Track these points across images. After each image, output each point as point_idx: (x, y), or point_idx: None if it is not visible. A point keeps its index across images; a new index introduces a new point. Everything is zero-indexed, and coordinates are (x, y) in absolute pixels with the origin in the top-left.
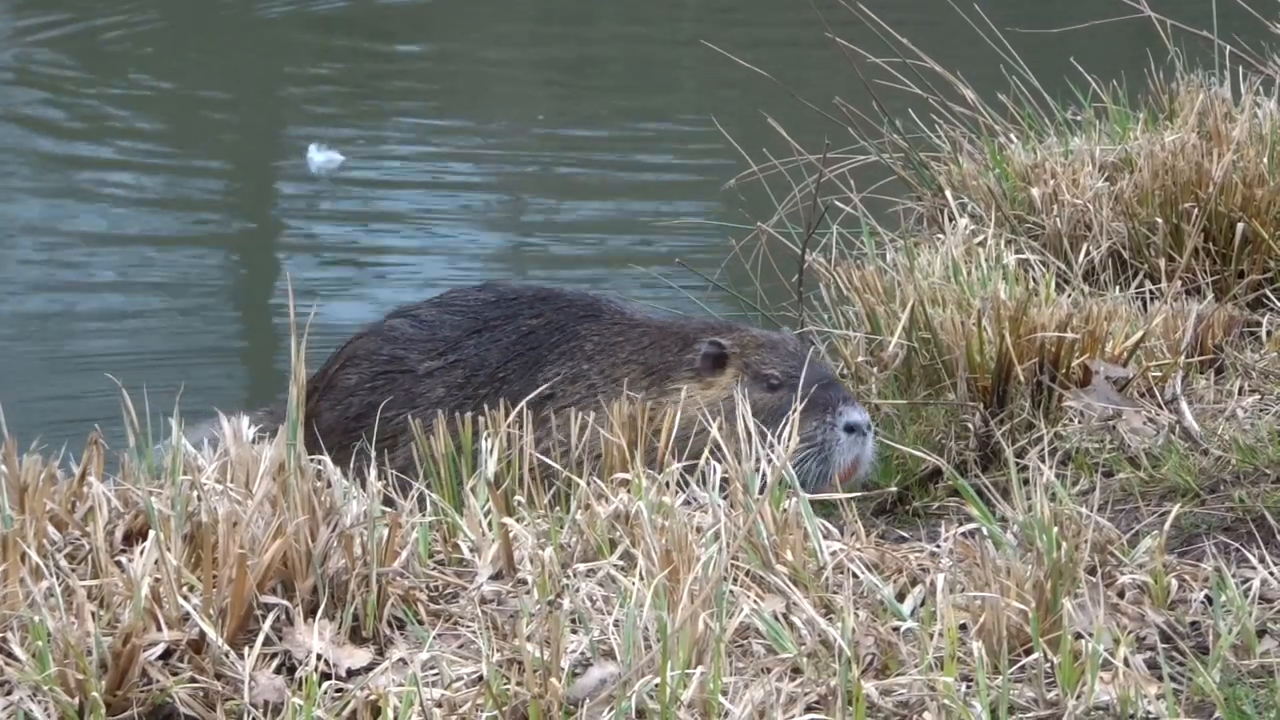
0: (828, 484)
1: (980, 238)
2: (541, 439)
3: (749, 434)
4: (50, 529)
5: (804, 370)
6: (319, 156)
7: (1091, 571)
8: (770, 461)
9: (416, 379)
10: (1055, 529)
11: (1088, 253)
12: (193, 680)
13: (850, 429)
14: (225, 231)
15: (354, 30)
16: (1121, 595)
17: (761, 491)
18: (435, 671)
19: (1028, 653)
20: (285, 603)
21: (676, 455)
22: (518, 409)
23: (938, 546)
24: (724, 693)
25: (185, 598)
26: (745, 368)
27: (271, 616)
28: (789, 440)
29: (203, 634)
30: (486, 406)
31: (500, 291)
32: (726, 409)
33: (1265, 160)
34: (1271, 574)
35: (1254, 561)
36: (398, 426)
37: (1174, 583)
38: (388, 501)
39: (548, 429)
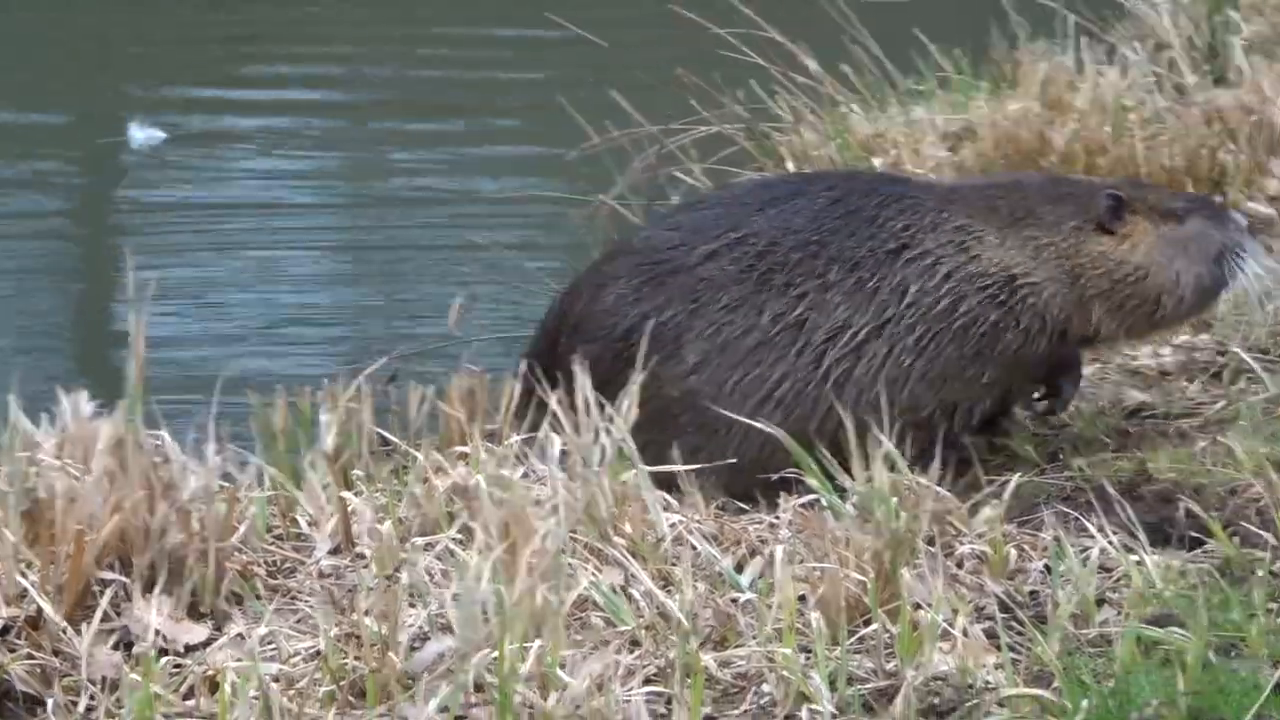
0: (1239, 290)
1: None
2: None
3: (588, 405)
4: None
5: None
6: (140, 134)
7: (930, 541)
8: (609, 433)
9: (690, 271)
10: (894, 499)
11: None
12: (30, 657)
13: (1250, 236)
14: (50, 210)
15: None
16: (960, 565)
17: (601, 464)
18: (273, 646)
19: (866, 623)
20: (123, 579)
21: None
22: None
23: (776, 518)
24: (562, 665)
25: (23, 574)
26: (1149, 210)
27: (109, 592)
28: (628, 411)
29: (40, 610)
30: (799, 271)
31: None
32: (1164, 246)
33: (1108, 129)
34: (1110, 543)
35: (1093, 531)
36: (680, 328)
37: (1013, 552)
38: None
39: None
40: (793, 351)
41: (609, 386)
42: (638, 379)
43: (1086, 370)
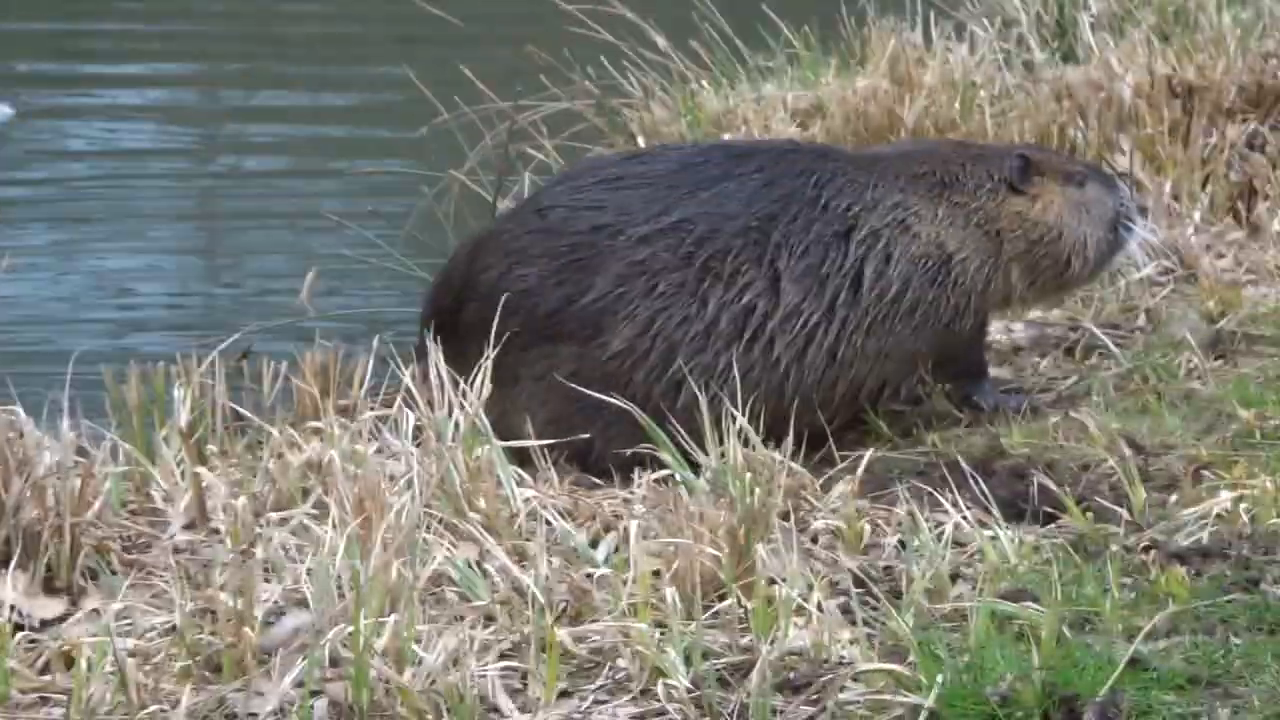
0: (1127, 255)
1: None
2: None
3: (441, 382)
4: None
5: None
6: None
7: (785, 517)
8: (463, 408)
9: (618, 254)
10: (749, 475)
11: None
12: None
13: (1142, 211)
14: None
15: None
16: (815, 540)
17: (455, 439)
18: (129, 621)
19: (721, 598)
20: None
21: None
22: None
23: (631, 493)
24: (417, 641)
25: None
26: (1054, 172)
27: None
28: (480, 388)
29: None
30: (743, 258)
31: (683, 152)
32: (1073, 208)
33: (957, 105)
34: (964, 518)
35: (947, 506)
36: (604, 312)
37: (867, 528)
38: None
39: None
40: (745, 339)
41: (525, 365)
42: (490, 354)
43: None
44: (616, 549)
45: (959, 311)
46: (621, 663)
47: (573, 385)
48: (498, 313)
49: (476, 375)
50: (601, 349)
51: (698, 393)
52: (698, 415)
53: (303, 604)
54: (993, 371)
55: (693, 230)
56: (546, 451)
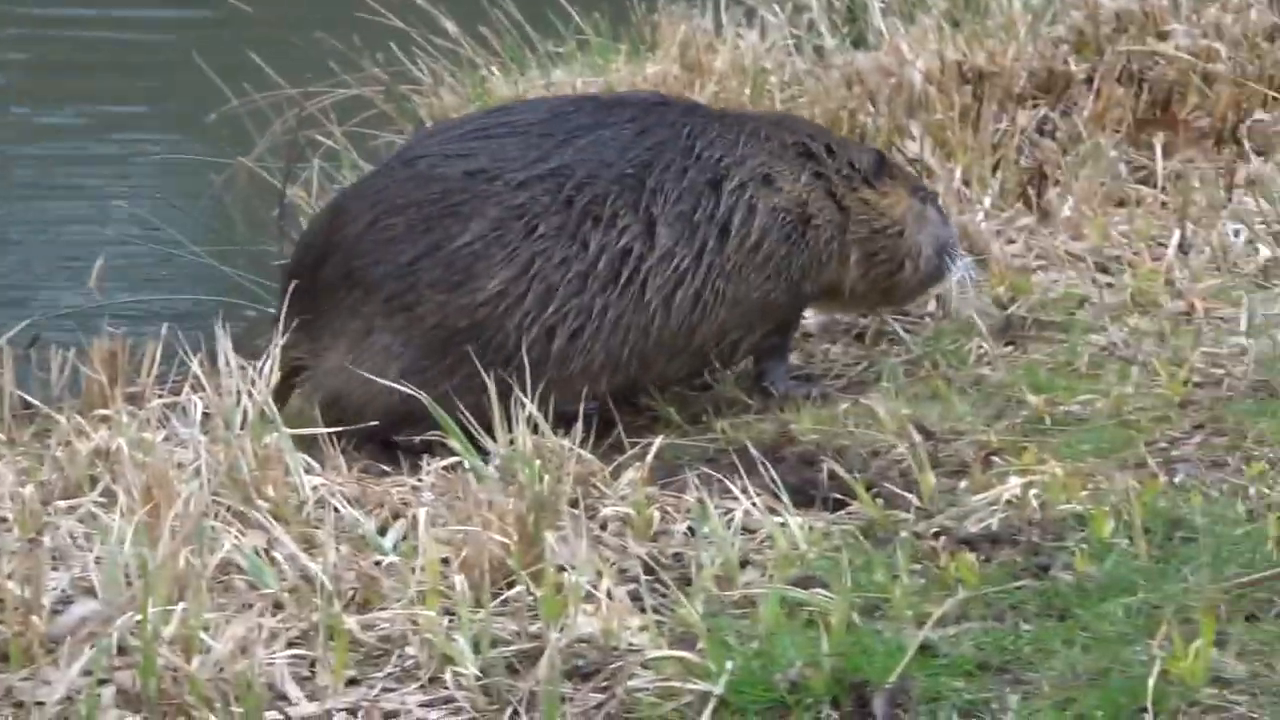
0: (936, 286)
1: None
2: None
3: (229, 366)
4: None
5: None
6: None
7: (574, 504)
8: (251, 396)
9: (495, 199)
10: (538, 462)
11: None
12: None
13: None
14: None
15: None
16: (604, 527)
17: (243, 426)
18: None
19: (510, 586)
20: None
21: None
22: None
23: (420, 480)
24: (206, 629)
25: None
26: (904, 180)
27: None
28: (270, 373)
29: None
30: (620, 203)
31: (552, 102)
32: (916, 214)
33: (747, 90)
34: (754, 504)
35: (736, 492)
36: (476, 256)
37: (656, 514)
38: None
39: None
40: (621, 282)
41: (384, 316)
42: (279, 341)
43: None
44: (405, 536)
45: (804, 273)
46: (410, 650)
47: (434, 336)
48: (361, 262)
49: (264, 362)
50: (472, 295)
51: (497, 381)
52: (571, 365)
53: (91, 592)
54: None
55: (571, 175)
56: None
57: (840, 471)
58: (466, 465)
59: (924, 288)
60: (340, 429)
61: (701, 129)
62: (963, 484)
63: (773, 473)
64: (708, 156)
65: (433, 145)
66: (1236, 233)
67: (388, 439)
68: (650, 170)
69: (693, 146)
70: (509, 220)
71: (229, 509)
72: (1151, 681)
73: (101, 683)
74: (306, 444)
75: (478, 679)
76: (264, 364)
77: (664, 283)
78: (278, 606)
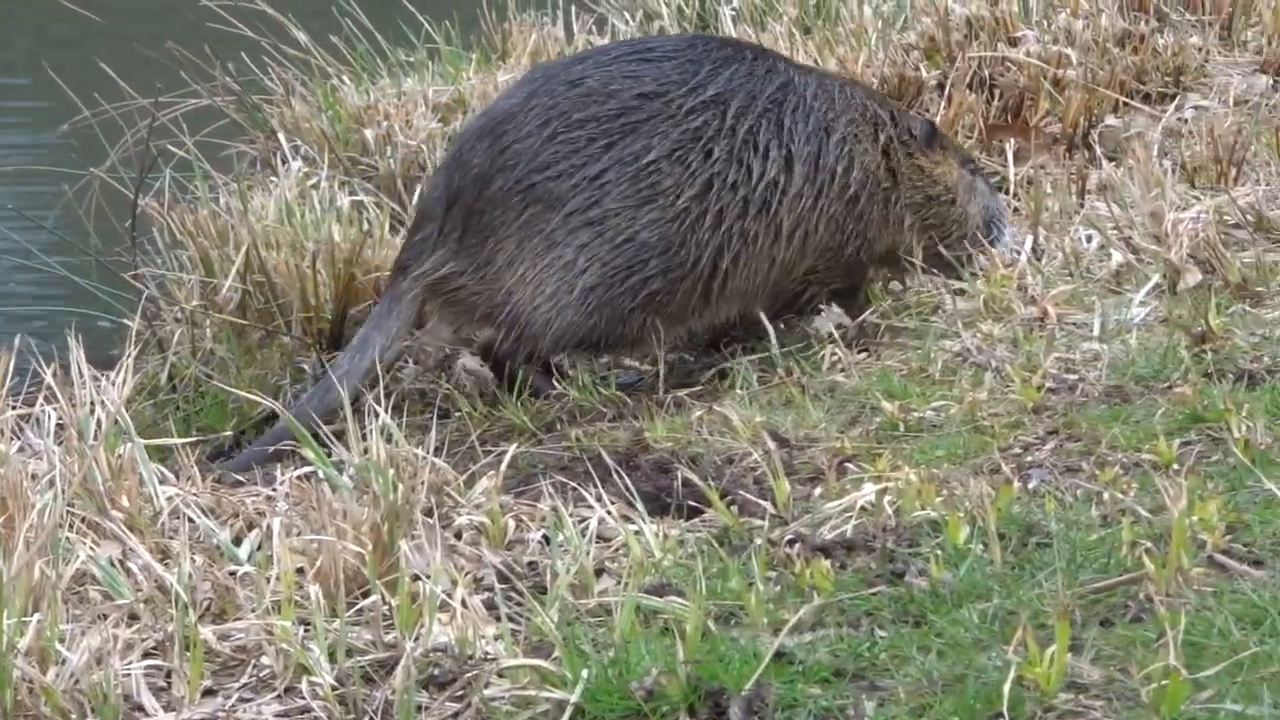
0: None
1: (314, 180)
2: None
3: (82, 376)
4: None
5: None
6: None
7: (429, 513)
8: (105, 406)
9: (683, 116)
10: (391, 471)
11: (421, 193)
12: None
13: (1010, 225)
14: None
15: None
16: (459, 536)
17: (96, 437)
18: None
19: (365, 595)
20: None
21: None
22: None
23: (274, 490)
24: (61, 640)
25: None
26: (954, 151)
27: None
28: (123, 383)
29: None
30: (767, 136)
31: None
32: (967, 184)
33: None
34: (609, 512)
35: (591, 500)
36: (665, 172)
37: (511, 523)
38: None
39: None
40: (771, 211)
41: (568, 231)
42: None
43: None
44: (260, 547)
45: (879, 232)
46: (266, 660)
47: (621, 252)
48: (542, 176)
49: (118, 372)
50: (661, 210)
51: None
52: (726, 289)
53: None
54: (636, 364)
55: (731, 102)
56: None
57: (695, 479)
58: (321, 475)
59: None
60: (194, 440)
61: (806, 79)
62: (817, 491)
63: (627, 480)
64: (817, 107)
65: (591, 68)
66: (1089, 238)
67: (553, 361)
68: (784, 108)
69: (804, 94)
70: (688, 142)
71: (83, 520)
72: (1007, 687)
73: None
74: (161, 454)
75: (333, 689)
76: (117, 374)
77: (794, 219)
78: (133, 617)
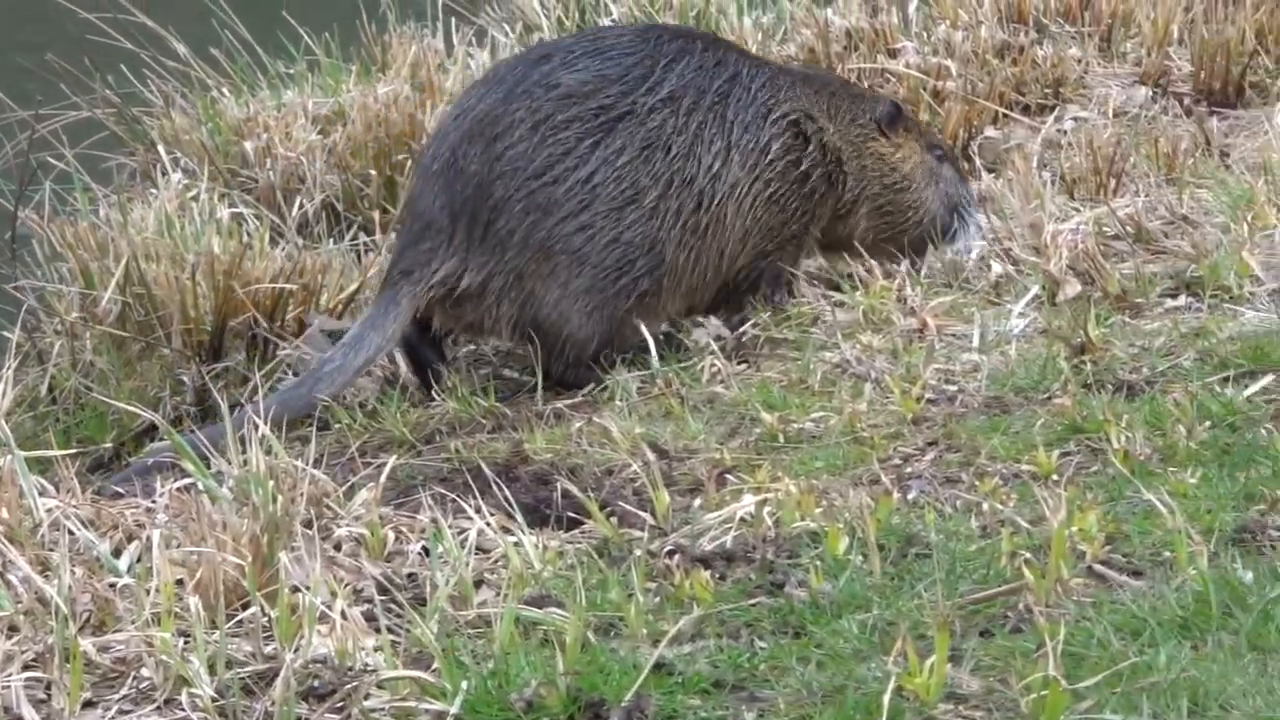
0: (960, 246)
1: (194, 192)
2: None
3: None
4: None
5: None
6: None
7: (308, 524)
8: None
9: (638, 117)
10: (271, 482)
11: (301, 205)
12: None
13: (978, 218)
14: None
15: None
16: (338, 548)
17: None
18: None
19: (245, 607)
20: None
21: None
22: None
23: (154, 502)
24: None
25: None
26: (919, 134)
27: None
28: (2, 397)
29: None
30: (714, 130)
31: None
32: (926, 172)
33: None
34: (488, 524)
35: (470, 512)
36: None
37: (391, 534)
38: None
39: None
40: (717, 202)
41: (561, 237)
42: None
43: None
44: (140, 558)
45: (824, 215)
46: (145, 672)
47: (610, 253)
48: (539, 184)
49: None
50: (640, 209)
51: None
52: (682, 282)
53: None
54: (514, 375)
55: (683, 100)
56: None
57: (574, 490)
58: (200, 487)
59: (926, 243)
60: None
61: (756, 70)
62: (697, 502)
63: (507, 492)
64: (761, 97)
65: (560, 69)
66: (968, 249)
67: (594, 359)
68: (728, 100)
69: (750, 86)
70: (652, 140)
71: None
72: (887, 698)
73: None
74: (41, 466)
75: (213, 700)
76: None
77: (736, 209)
78: (12, 629)
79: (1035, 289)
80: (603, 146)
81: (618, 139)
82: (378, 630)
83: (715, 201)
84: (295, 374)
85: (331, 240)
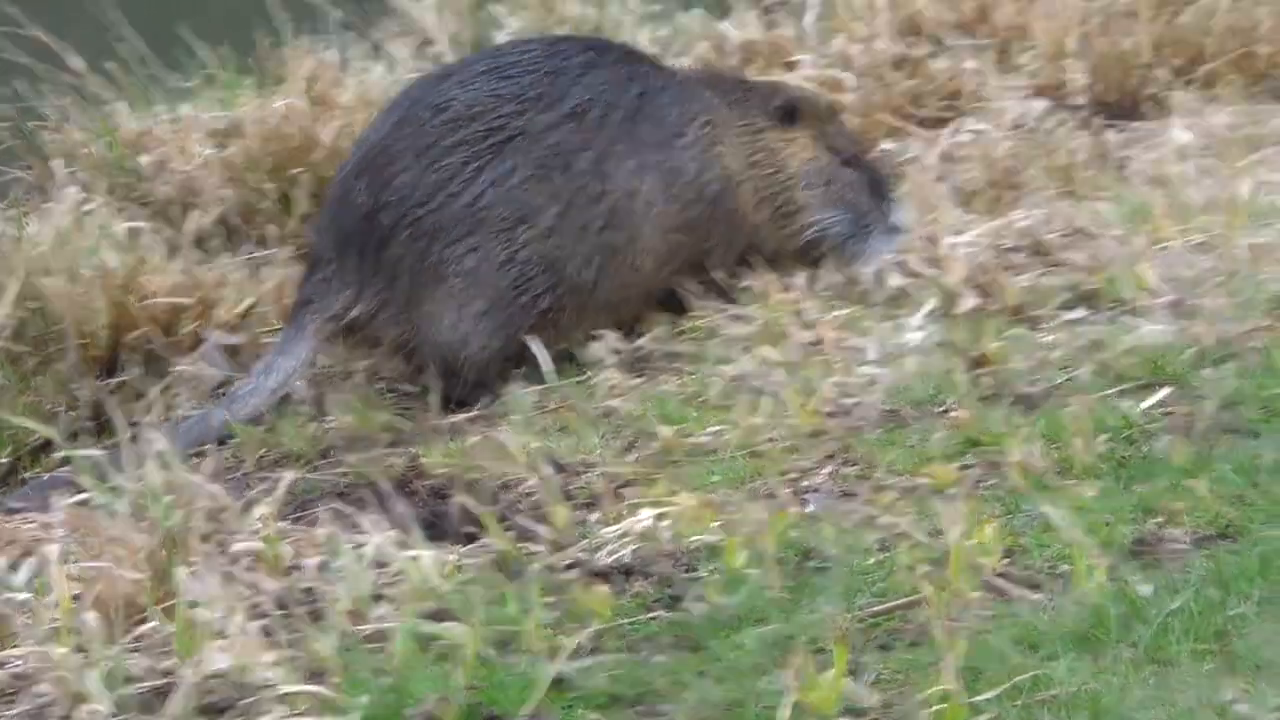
0: (857, 260)
1: (90, 206)
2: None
3: None
4: None
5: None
6: None
7: (206, 539)
8: None
9: (533, 137)
10: (168, 497)
11: (197, 220)
12: None
13: (893, 229)
14: None
15: None
16: (236, 563)
17: None
18: None
19: (143, 622)
20: None
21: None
22: None
23: (50, 517)
24: None
25: None
26: (821, 135)
27: None
28: None
29: None
30: (622, 145)
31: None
32: (815, 171)
33: None
34: (386, 539)
35: (367, 527)
36: (531, 193)
37: (288, 549)
38: None
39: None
40: (627, 218)
41: (452, 261)
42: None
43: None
44: (37, 574)
45: (740, 220)
46: (43, 688)
47: (505, 273)
48: (424, 210)
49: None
50: (535, 228)
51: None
52: (596, 298)
53: None
54: (411, 388)
55: (587, 114)
56: None
57: (471, 504)
58: (98, 502)
59: (821, 245)
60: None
61: (665, 83)
62: (594, 516)
63: (404, 506)
64: (675, 114)
65: (454, 88)
66: (867, 261)
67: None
68: (639, 116)
69: (661, 101)
70: (549, 158)
71: None
72: (785, 712)
73: None
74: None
75: (111, 716)
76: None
77: (653, 228)
78: None
79: (933, 302)
80: (491, 168)
81: (508, 159)
82: (276, 645)
83: (630, 219)
84: (191, 389)
85: (227, 254)
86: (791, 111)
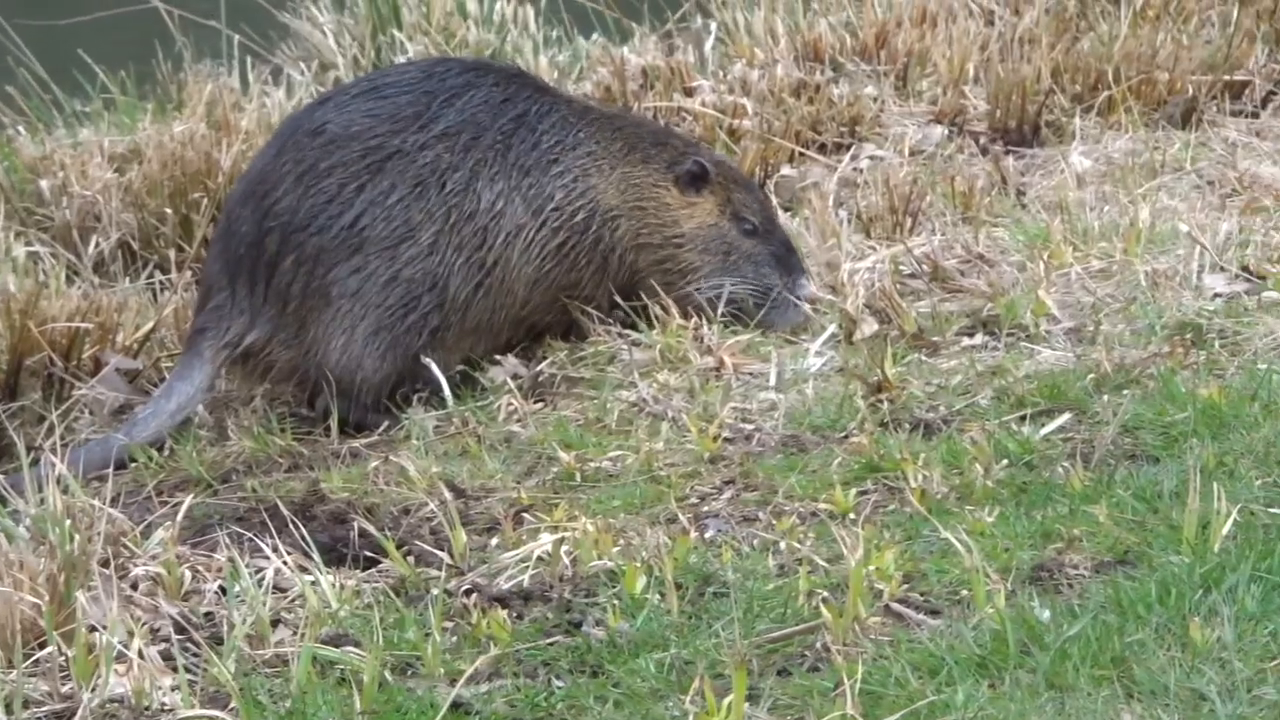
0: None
1: None
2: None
3: None
4: None
5: (778, 227)
6: None
7: (105, 564)
8: None
9: (408, 156)
10: (68, 521)
11: (98, 244)
12: None
13: (797, 304)
14: None
15: None
16: (135, 587)
17: None
18: None
19: (42, 646)
20: None
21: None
22: None
23: None
24: None
25: None
26: (727, 202)
27: None
28: None
29: None
30: (495, 168)
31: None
32: (714, 238)
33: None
34: (285, 563)
35: (267, 551)
36: (409, 211)
37: (188, 573)
38: None
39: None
40: (501, 240)
41: (337, 283)
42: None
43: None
44: None
45: (615, 263)
46: None
47: (389, 291)
48: (304, 234)
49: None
50: (416, 246)
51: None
52: (468, 320)
53: None
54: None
55: (460, 136)
56: None
57: (371, 529)
58: None
59: (715, 307)
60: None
61: (549, 109)
62: (494, 541)
63: (303, 531)
64: (547, 139)
65: (331, 112)
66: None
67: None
68: (512, 139)
69: (537, 126)
70: (426, 177)
71: None
72: None
73: None
74: None
75: None
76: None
77: (523, 253)
78: None
79: (832, 327)
80: (370, 188)
81: (386, 179)
82: (175, 669)
83: (499, 240)
84: (91, 413)
85: (128, 279)
86: (700, 175)
